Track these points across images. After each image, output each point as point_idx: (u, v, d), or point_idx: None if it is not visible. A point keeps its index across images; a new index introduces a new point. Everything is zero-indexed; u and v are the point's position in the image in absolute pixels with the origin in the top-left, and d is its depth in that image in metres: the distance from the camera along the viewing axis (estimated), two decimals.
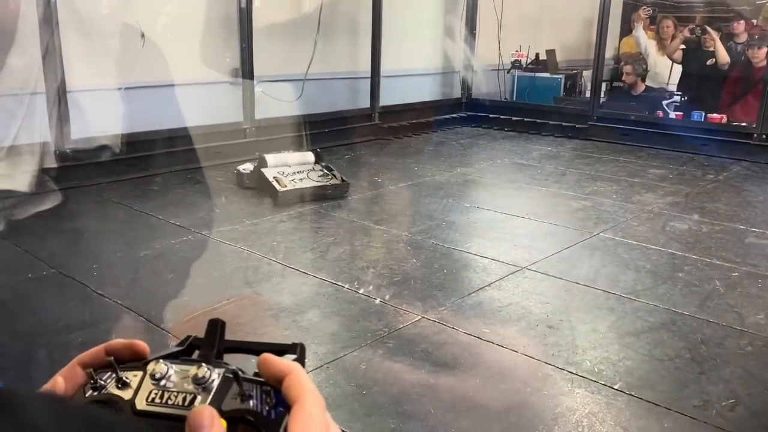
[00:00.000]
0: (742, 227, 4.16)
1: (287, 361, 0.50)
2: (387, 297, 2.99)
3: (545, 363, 2.46)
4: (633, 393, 2.27)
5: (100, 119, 4.81)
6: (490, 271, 3.37)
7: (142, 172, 4.99)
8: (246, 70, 5.70)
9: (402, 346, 2.56)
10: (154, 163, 5.07)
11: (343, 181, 4.70)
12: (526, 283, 3.23)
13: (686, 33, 7.25)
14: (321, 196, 4.55)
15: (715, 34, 7.04)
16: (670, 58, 7.42)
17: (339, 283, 3.14)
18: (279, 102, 5.88)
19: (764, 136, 6.17)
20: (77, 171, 4.63)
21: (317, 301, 3.01)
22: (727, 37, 7.12)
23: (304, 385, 0.48)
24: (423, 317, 2.79)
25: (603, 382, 2.33)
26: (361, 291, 3.05)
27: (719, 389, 2.32)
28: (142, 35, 4.93)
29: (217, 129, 5.47)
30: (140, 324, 2.69)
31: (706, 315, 2.88)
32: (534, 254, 3.59)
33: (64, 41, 4.52)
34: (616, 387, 2.30)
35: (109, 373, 0.49)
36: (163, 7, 5.14)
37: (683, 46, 7.38)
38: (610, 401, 2.24)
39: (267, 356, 0.50)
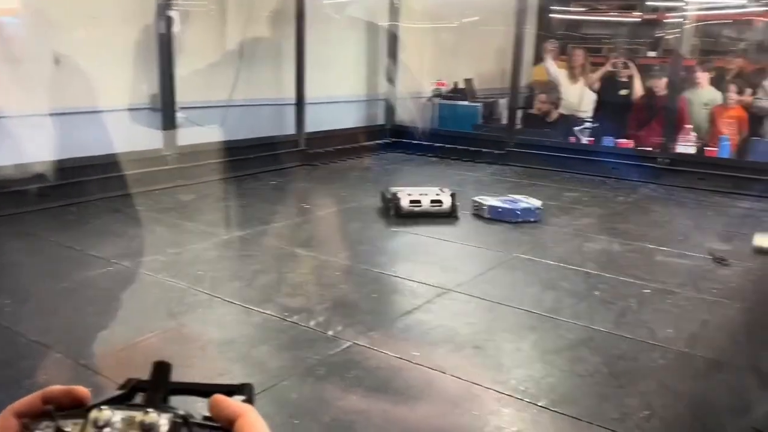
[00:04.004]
0: (651, 246, 4.42)
1: (239, 403, 0.49)
2: (317, 324, 2.99)
3: (473, 383, 2.52)
4: (557, 409, 2.36)
5: (11, 147, 4.59)
6: (418, 294, 3.43)
7: (57, 201, 4.79)
8: (166, 96, 5.60)
9: (333, 373, 2.57)
10: (70, 192, 4.88)
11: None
12: (453, 304, 3.31)
13: (609, 66, 7.67)
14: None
15: (635, 69, 7.49)
16: (590, 88, 7.83)
17: (267, 312, 3.11)
18: (202, 128, 5.80)
19: (667, 160, 6.60)
20: None
21: (245, 330, 2.98)
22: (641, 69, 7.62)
23: (257, 428, 0.47)
24: (354, 343, 2.81)
25: (528, 400, 2.41)
26: (290, 319, 3.04)
27: (636, 402, 2.44)
28: (57, 60, 4.77)
29: (137, 156, 5.33)
30: (60, 362, 2.57)
31: (622, 331, 3.04)
32: (459, 276, 3.69)
33: None
34: (540, 404, 2.39)
35: (46, 423, 0.46)
36: (79, 32, 4.99)
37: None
38: (535, 418, 2.32)
39: (219, 397, 0.48)
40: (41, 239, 4.13)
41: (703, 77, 7.04)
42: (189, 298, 3.28)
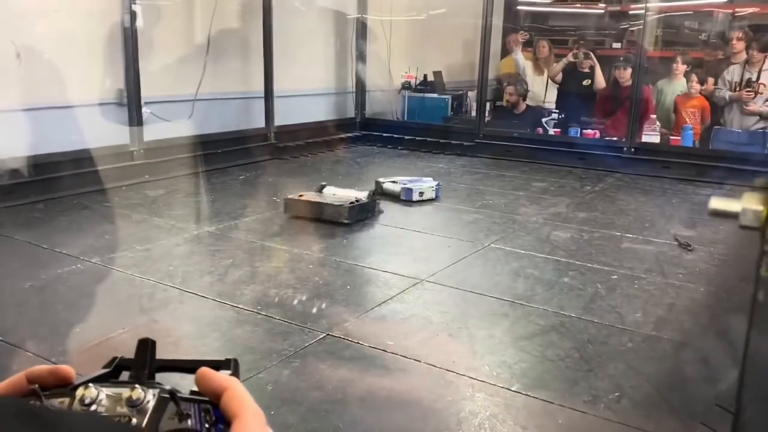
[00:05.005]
0: (617, 234, 4.51)
1: (225, 376, 0.49)
2: (291, 316, 2.99)
3: (447, 370, 2.55)
4: (529, 393, 2.40)
5: None
6: (391, 284, 3.45)
7: (23, 198, 4.69)
8: (132, 90, 5.52)
9: (308, 365, 2.57)
10: (36, 189, 4.78)
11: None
12: (426, 294, 3.33)
13: (570, 57, 7.75)
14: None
15: (595, 60, 7.60)
16: (553, 81, 7.91)
17: (240, 306, 3.10)
18: (169, 123, 5.73)
19: (633, 150, 6.72)
20: None
21: (218, 325, 2.96)
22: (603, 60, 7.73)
23: (244, 399, 0.48)
24: (328, 334, 2.82)
25: (501, 385, 2.45)
26: (264, 312, 3.03)
27: (605, 384, 2.50)
28: (18, 55, 4.66)
29: (103, 152, 5.24)
30: (30, 361, 2.53)
31: (591, 316, 3.10)
32: (432, 266, 3.72)
33: None
34: (513, 389, 2.43)
35: (32, 402, 0.46)
36: (42, 26, 4.88)
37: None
38: (508, 403, 2.36)
39: (205, 370, 0.49)
40: (7, 237, 4.05)
41: (681, 68, 7.18)
42: (160, 293, 3.25)
